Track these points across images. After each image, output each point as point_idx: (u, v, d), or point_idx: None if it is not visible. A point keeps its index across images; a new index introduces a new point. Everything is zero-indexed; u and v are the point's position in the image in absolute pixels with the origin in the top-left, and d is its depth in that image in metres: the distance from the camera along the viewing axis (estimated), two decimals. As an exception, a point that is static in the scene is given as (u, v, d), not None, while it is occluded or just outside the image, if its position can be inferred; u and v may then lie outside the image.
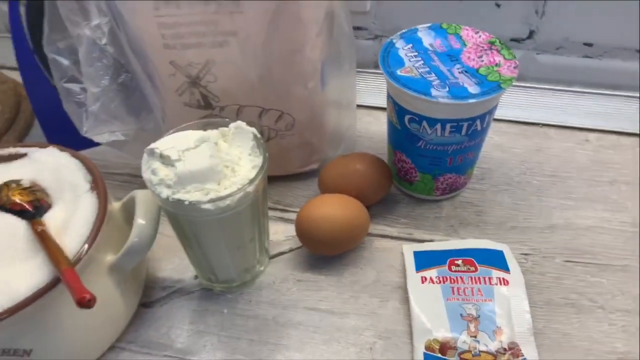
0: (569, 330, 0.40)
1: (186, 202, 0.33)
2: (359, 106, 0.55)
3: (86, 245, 0.35)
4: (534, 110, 0.57)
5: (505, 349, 0.38)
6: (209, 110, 0.45)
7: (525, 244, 0.46)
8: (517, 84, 0.57)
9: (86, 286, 0.32)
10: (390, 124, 0.46)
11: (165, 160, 0.35)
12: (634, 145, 0.53)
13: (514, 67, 0.41)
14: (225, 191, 0.35)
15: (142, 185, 0.36)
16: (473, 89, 0.39)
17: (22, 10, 0.47)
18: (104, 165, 0.52)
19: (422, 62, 0.42)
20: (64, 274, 0.31)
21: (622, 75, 0.56)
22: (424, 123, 0.42)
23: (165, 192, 0.34)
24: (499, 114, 0.48)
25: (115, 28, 0.41)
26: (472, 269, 0.42)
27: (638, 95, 0.56)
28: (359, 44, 0.60)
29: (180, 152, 0.35)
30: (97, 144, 0.47)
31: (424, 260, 0.44)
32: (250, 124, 0.46)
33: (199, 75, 0.43)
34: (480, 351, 0.38)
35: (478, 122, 0.42)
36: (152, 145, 0.35)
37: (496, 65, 0.41)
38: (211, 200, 0.34)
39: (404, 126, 0.43)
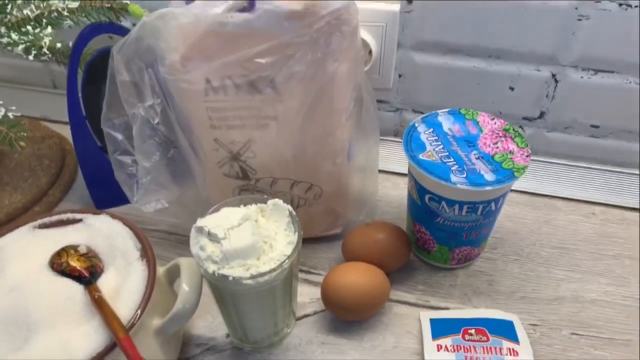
0: (574, 403, 0.43)
1: (230, 278, 0.37)
2: (379, 171, 0.59)
3: (139, 312, 0.38)
4: (544, 182, 0.61)
5: (514, 420, 0.41)
6: (245, 180, 0.49)
7: (534, 315, 0.49)
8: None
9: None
10: (411, 198, 0.50)
11: (212, 237, 0.39)
12: (637, 220, 0.57)
13: (526, 156, 0.45)
14: (264, 266, 0.38)
15: (176, 241, 0.40)
16: (489, 176, 0.43)
17: (80, 83, 0.53)
18: (140, 221, 0.57)
19: (442, 146, 0.46)
20: (122, 341, 0.35)
21: (626, 154, 0.60)
22: (443, 203, 0.46)
23: (211, 267, 0.38)
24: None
25: (167, 108, 0.46)
26: (484, 338, 0.46)
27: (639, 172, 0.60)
28: (381, 115, 0.64)
29: (226, 231, 0.39)
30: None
31: (440, 328, 0.47)
32: (281, 194, 0.51)
33: (239, 152, 0.47)
34: (491, 421, 0.41)
35: (493, 203, 0.46)
36: (200, 223, 0.40)
37: (510, 152, 0.45)
38: (252, 277, 0.38)
39: (424, 203, 0.47)
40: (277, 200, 0.42)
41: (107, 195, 0.58)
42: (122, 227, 0.44)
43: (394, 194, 0.61)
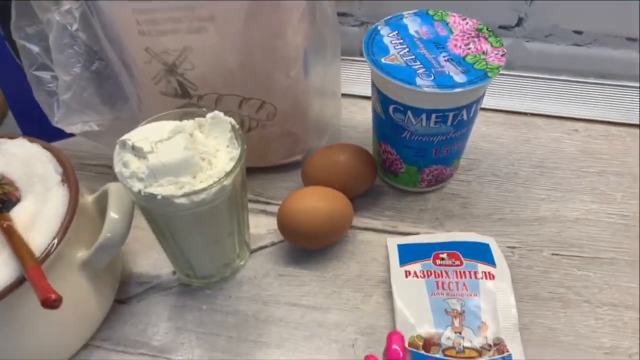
0: (555, 325, 0.39)
1: (159, 197, 0.32)
2: (344, 95, 0.53)
3: (55, 241, 0.33)
4: (522, 99, 0.55)
5: (490, 345, 0.37)
6: (186, 99, 0.43)
7: (512, 237, 0.45)
8: (505, 72, 0.56)
9: (56, 283, 0.30)
10: (375, 114, 0.45)
11: (137, 152, 0.33)
12: (623, 135, 0.53)
13: (502, 55, 0.40)
14: (201, 185, 0.33)
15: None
16: (459, 77, 0.38)
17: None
18: (79, 156, 0.51)
19: (408, 49, 0.41)
20: (29, 272, 0.30)
21: (611, 64, 0.55)
22: (409, 113, 0.40)
23: (137, 186, 0.33)
24: (486, 103, 0.47)
25: (88, 13, 0.39)
26: (458, 262, 0.41)
27: (628, 84, 0.55)
28: (344, 31, 0.58)
29: (153, 144, 0.33)
30: (72, 135, 0.45)
31: (409, 254, 0.43)
32: (229, 113, 0.44)
33: (175, 63, 0.41)
34: (464, 347, 0.37)
35: (464, 112, 0.40)
36: (125, 137, 0.34)
37: (483, 53, 0.40)
38: (185, 194, 0.32)
39: (389, 116, 0.42)
40: (216, 112, 0.37)
41: (39, 128, 0.51)
42: (41, 150, 0.38)
43: (360, 119, 0.56)
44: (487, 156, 0.51)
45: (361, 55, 0.60)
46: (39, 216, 0.34)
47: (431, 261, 0.42)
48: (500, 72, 0.39)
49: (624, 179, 0.49)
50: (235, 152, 0.36)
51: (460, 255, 0.42)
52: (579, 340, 0.38)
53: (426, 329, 0.38)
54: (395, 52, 0.41)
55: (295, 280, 0.42)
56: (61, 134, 0.45)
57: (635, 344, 0.38)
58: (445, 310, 0.39)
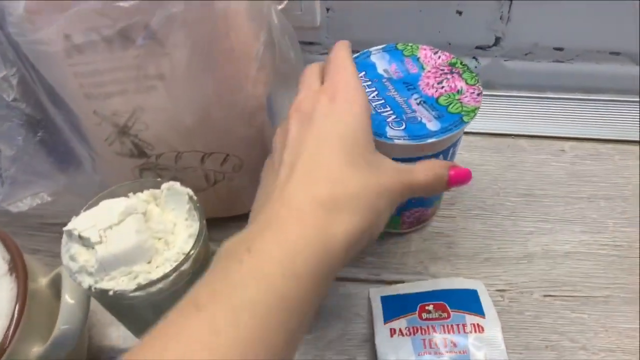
0: (550, 379, 0.37)
1: (110, 293, 0.29)
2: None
3: (7, 342, 0.30)
4: (505, 120, 0.53)
5: (482, 410, 0.35)
6: (143, 158, 0.40)
7: (501, 278, 0.42)
8: (487, 92, 0.53)
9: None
10: None
11: (85, 242, 0.30)
12: (612, 153, 0.50)
13: (477, 95, 0.37)
14: (158, 271, 0.30)
15: None
16: (432, 125, 0.35)
17: None
18: (40, 215, 0.48)
19: (377, 92, 0.38)
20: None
21: (596, 79, 0.52)
22: None
23: (87, 281, 0.30)
24: (467, 126, 0.44)
25: (28, 79, 0.36)
26: (445, 315, 0.39)
27: (614, 98, 0.52)
28: (311, 60, 0.54)
29: (101, 232, 0.30)
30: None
31: (393, 308, 0.40)
32: (191, 169, 0.42)
33: (127, 124, 0.38)
34: (455, 414, 0.35)
35: (441, 157, 0.38)
36: (70, 226, 0.31)
37: (458, 92, 0.37)
38: (139, 288, 0.29)
39: None
40: (172, 183, 0.34)
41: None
42: (-15, 234, 0.35)
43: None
44: (471, 186, 0.48)
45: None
46: (-15, 313, 0.32)
47: (417, 315, 0.39)
48: (476, 115, 0.36)
49: (615, 203, 0.46)
50: (195, 227, 0.33)
51: (447, 306, 0.39)
52: (577, 395, 0.36)
53: (414, 396, 0.35)
54: None
55: (274, 345, 0.40)
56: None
57: (635, 394, 0.36)
58: (433, 372, 0.36)
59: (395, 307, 0.40)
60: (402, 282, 0.42)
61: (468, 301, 0.40)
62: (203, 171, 0.42)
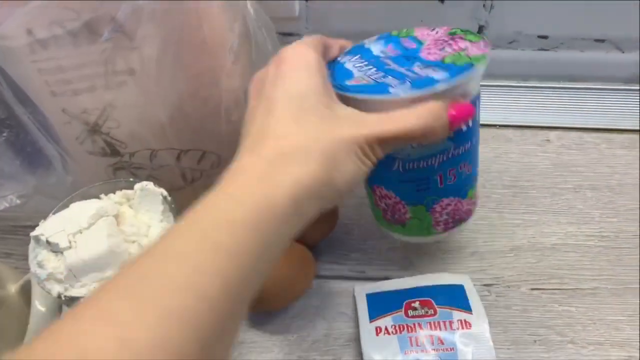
0: (538, 374, 0.36)
1: (81, 301, 0.28)
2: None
3: (-32, 358, 0.29)
4: (490, 110, 0.52)
5: (471, 408, 0.34)
6: (117, 157, 0.39)
7: (488, 273, 0.42)
8: (470, 82, 0.52)
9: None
10: None
11: (53, 247, 0.29)
12: (597, 142, 0.50)
13: (484, 46, 0.33)
14: (131, 277, 0.29)
15: None
16: (440, 75, 0.31)
17: None
18: (12, 218, 0.46)
19: (375, 69, 0.33)
20: None
21: (580, 67, 0.51)
22: None
23: (55, 289, 0.28)
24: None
25: (-11, 76, 0.34)
26: (431, 312, 0.38)
27: (598, 86, 0.52)
28: (293, 51, 0.53)
29: (70, 237, 0.29)
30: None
31: (379, 305, 0.39)
32: (167, 167, 0.40)
33: (97, 122, 0.36)
34: (443, 413, 0.34)
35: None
36: (37, 231, 0.29)
37: (462, 50, 0.33)
38: (111, 295, 0.28)
39: None
40: (145, 183, 0.32)
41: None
42: (-50, 241, 0.34)
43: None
44: (456, 179, 0.47)
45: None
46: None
47: (403, 313, 0.38)
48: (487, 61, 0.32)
49: (601, 193, 0.46)
50: (170, 229, 0.31)
51: (434, 303, 0.39)
52: (565, 389, 0.36)
53: (401, 396, 0.35)
54: (362, 74, 0.33)
55: (256, 347, 0.39)
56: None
57: (624, 387, 0.36)
58: (420, 370, 0.36)
59: (381, 304, 0.39)
60: (388, 278, 0.42)
61: (455, 297, 0.39)
62: (180, 169, 0.40)
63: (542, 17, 0.47)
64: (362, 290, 0.41)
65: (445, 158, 0.34)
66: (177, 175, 0.41)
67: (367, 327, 0.38)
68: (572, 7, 0.46)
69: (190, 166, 0.40)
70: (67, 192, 0.37)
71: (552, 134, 0.50)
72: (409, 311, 0.38)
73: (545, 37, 0.49)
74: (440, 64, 0.32)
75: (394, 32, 0.37)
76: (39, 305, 0.32)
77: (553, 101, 0.52)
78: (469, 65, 0.31)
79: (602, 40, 0.49)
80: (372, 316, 0.39)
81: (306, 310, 0.40)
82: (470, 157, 0.36)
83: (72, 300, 0.28)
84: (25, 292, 0.35)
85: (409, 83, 0.31)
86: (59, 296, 0.28)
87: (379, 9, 0.49)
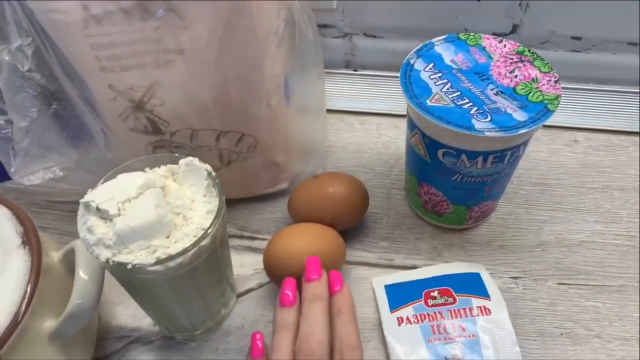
0: (565, 365, 0.37)
1: (129, 266, 0.29)
2: (328, 111, 0.50)
3: (20, 317, 0.30)
4: (519, 109, 0.52)
5: (498, 391, 0.35)
6: (158, 135, 0.40)
7: (515, 266, 0.42)
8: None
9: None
10: (415, 155, 0.40)
11: (102, 214, 0.30)
12: (625, 144, 0.50)
13: (555, 82, 0.36)
14: (176, 246, 0.30)
15: None
16: (518, 115, 0.34)
17: None
18: (48, 193, 0.47)
19: (450, 85, 0.36)
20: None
21: (612, 69, 0.51)
22: (463, 157, 0.36)
23: (104, 254, 0.29)
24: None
25: (42, 49, 0.36)
26: (450, 300, 0.39)
27: (629, 90, 0.52)
28: (327, 43, 0.54)
29: (120, 205, 0.30)
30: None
31: (398, 296, 0.40)
32: (206, 148, 0.41)
33: (143, 100, 0.37)
34: (471, 398, 0.35)
35: (522, 147, 0.37)
36: (87, 197, 0.30)
37: (533, 80, 0.36)
38: (158, 262, 0.29)
39: (436, 159, 0.38)
40: (190, 159, 0.33)
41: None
42: (-3, 206, 0.35)
43: (347, 137, 0.52)
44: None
45: (345, 67, 0.57)
46: (-3, 286, 0.31)
47: (423, 302, 0.39)
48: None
49: (628, 194, 0.46)
50: (213, 204, 0.32)
51: (452, 291, 0.39)
52: (591, 382, 0.36)
53: (429, 381, 0.35)
54: (438, 90, 0.36)
55: (286, 327, 0.39)
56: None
57: (650, 383, 0.36)
58: (445, 358, 0.36)
59: (400, 295, 0.40)
60: (416, 267, 0.42)
61: (472, 285, 0.40)
62: (218, 150, 0.41)
63: (576, 18, 0.48)
64: (380, 282, 0.41)
65: (497, 176, 0.39)
66: (214, 156, 0.42)
67: (388, 318, 0.38)
68: (607, 8, 0.47)
69: (228, 148, 0.41)
70: (106, 168, 0.38)
71: (580, 135, 0.51)
72: (428, 300, 0.39)
73: (578, 39, 0.49)
74: (513, 94, 0.36)
75: (462, 36, 0.40)
76: (82, 274, 0.32)
77: (582, 103, 0.52)
78: (545, 110, 0.35)
79: (635, 44, 0.49)
80: (393, 307, 0.39)
81: (335, 294, 0.41)
82: (513, 171, 0.41)
83: (119, 266, 0.29)
84: (67, 261, 0.36)
85: (489, 117, 0.34)
86: (107, 261, 0.29)
87: (414, 5, 0.50)
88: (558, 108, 0.35)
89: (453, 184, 0.39)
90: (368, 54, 0.55)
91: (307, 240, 0.39)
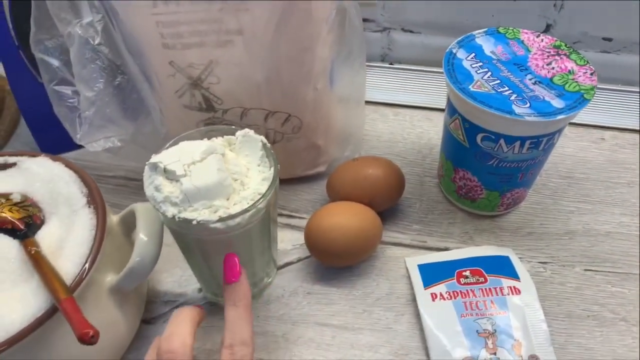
0: (591, 345, 0.38)
1: (194, 222, 0.31)
2: (365, 103, 0.52)
3: (86, 267, 0.32)
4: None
5: (527, 365, 0.36)
6: (210, 113, 0.42)
7: (543, 252, 0.44)
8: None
9: (86, 311, 0.29)
10: (453, 140, 0.42)
11: (169, 175, 0.32)
12: (651, 144, 0.52)
13: (591, 74, 0.38)
14: (235, 208, 0.32)
15: (137, 188, 0.33)
16: (556, 102, 0.36)
17: (6, 3, 0.44)
18: (95, 167, 0.50)
19: (490, 73, 0.39)
20: (63, 304, 0.29)
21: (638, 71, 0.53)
22: (501, 141, 0.38)
23: (171, 211, 0.31)
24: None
25: (110, 26, 0.38)
26: (482, 279, 0.41)
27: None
28: (365, 37, 0.56)
29: (186, 167, 0.32)
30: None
31: (431, 274, 0.42)
32: (255, 127, 0.43)
33: (200, 77, 0.40)
34: (501, 369, 0.36)
35: (557, 135, 0.39)
36: (155, 159, 0.33)
37: (570, 72, 0.38)
38: (221, 219, 0.31)
39: (475, 144, 0.40)
40: (247, 130, 0.35)
41: (54, 139, 0.50)
42: (64, 169, 0.37)
43: (382, 127, 0.54)
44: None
45: (382, 61, 0.60)
46: (65, 241, 0.33)
47: (455, 280, 0.41)
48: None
49: (654, 190, 0.48)
50: (268, 172, 0.34)
51: (484, 272, 0.41)
52: (617, 361, 0.38)
53: (461, 353, 0.37)
54: (479, 78, 0.38)
55: (323, 298, 0.41)
56: (76, 145, 0.44)
57: (674, 364, 0.37)
58: (477, 331, 0.38)
59: (433, 274, 0.42)
60: (448, 249, 0.44)
61: (502, 266, 0.41)
62: (265, 129, 0.44)
63: (609, 19, 0.50)
64: (413, 261, 0.43)
65: (532, 162, 0.41)
66: (261, 135, 0.44)
67: (422, 294, 0.40)
68: (637, 12, 0.49)
69: (274, 128, 0.44)
70: (158, 143, 0.41)
71: (607, 134, 0.53)
72: (460, 279, 0.41)
73: (609, 40, 0.51)
74: (550, 84, 0.38)
75: (501, 29, 0.42)
76: (142, 235, 0.35)
77: (609, 102, 0.54)
78: (581, 99, 0.37)
79: (664, 47, 0.51)
80: (427, 284, 0.41)
81: (369, 270, 0.43)
82: (546, 159, 0.42)
83: (185, 222, 0.31)
84: (125, 223, 0.38)
85: (528, 103, 0.36)
86: (173, 217, 0.31)
87: (451, 3, 0.52)
88: (586, 107, 0.37)
89: (489, 169, 0.41)
90: (404, 48, 0.57)
91: (348, 217, 0.41)
